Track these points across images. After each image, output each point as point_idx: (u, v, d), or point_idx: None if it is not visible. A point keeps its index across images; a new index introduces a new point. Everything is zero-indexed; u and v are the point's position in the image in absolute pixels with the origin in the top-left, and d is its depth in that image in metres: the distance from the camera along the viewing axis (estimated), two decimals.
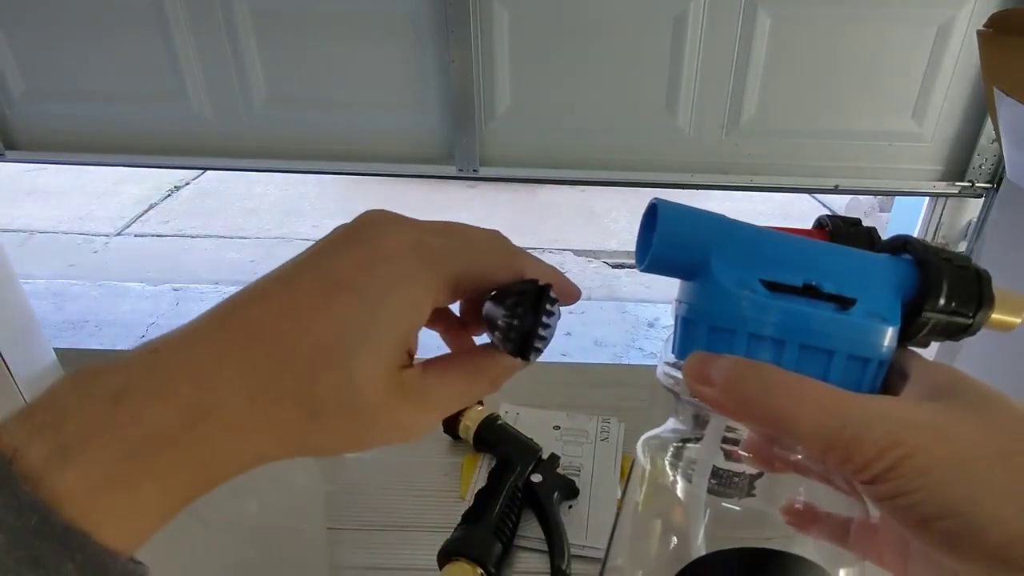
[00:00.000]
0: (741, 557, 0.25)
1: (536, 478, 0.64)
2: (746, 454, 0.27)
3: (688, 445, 0.28)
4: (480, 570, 0.55)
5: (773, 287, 0.24)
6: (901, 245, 0.26)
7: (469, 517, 0.59)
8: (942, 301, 0.24)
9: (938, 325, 0.24)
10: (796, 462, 0.26)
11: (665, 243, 0.24)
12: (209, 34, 1.03)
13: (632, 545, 0.30)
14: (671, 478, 0.28)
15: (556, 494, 0.63)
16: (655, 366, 0.67)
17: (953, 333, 0.25)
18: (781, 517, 0.27)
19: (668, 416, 0.30)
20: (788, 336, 0.23)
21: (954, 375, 0.23)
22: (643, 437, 0.29)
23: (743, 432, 0.27)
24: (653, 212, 0.25)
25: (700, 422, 0.27)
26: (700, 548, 0.25)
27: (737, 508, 0.27)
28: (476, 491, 0.63)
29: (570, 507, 0.64)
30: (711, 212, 0.25)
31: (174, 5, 1.00)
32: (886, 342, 0.24)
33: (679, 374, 0.25)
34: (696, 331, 0.25)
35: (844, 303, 0.24)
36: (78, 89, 1.07)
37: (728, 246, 0.25)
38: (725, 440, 0.26)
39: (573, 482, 0.66)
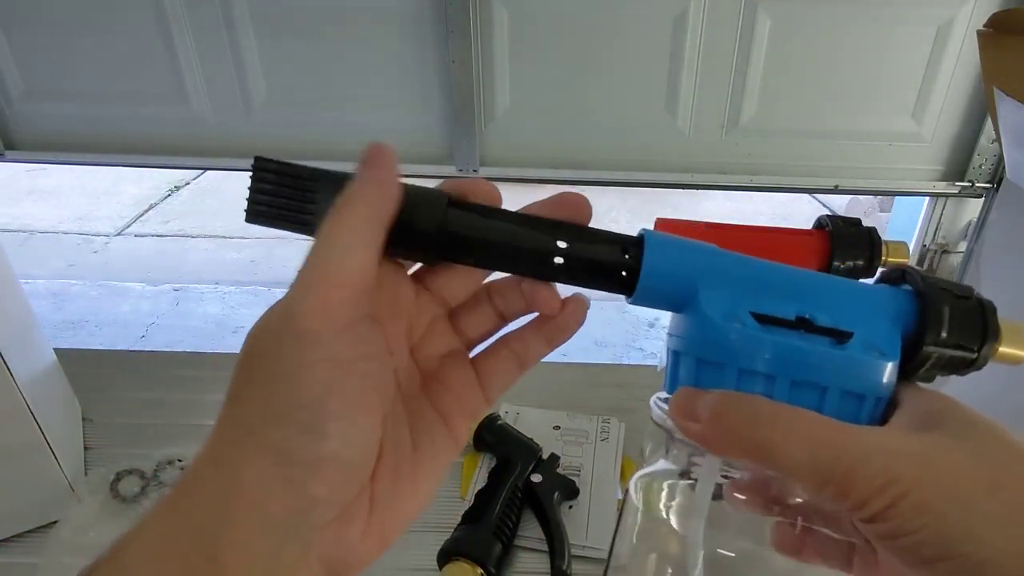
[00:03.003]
0: None
1: (536, 478, 0.64)
2: (742, 497, 0.26)
3: (681, 483, 0.27)
4: (480, 570, 0.55)
5: (764, 320, 0.23)
6: (899, 276, 0.25)
7: (469, 517, 0.59)
8: (944, 334, 0.23)
9: (941, 359, 0.23)
10: (796, 506, 0.25)
11: (652, 275, 0.24)
12: (209, 34, 1.03)
13: None
14: (665, 517, 0.28)
15: (556, 494, 0.63)
16: (655, 366, 0.67)
17: (958, 367, 0.24)
18: (778, 550, 0.26)
19: (662, 453, 0.29)
20: (779, 371, 0.22)
21: (943, 402, 0.22)
22: (635, 475, 0.29)
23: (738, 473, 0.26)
24: (641, 243, 0.24)
25: (692, 462, 0.27)
26: None
27: (732, 554, 0.26)
28: (476, 491, 0.63)
29: (570, 507, 0.64)
30: (701, 243, 0.25)
31: (174, 5, 1.00)
32: (884, 378, 0.23)
33: (668, 416, 0.25)
34: (685, 365, 0.24)
35: (840, 336, 0.23)
36: (78, 89, 1.07)
37: (717, 278, 0.24)
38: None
39: (573, 482, 0.65)
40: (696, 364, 0.24)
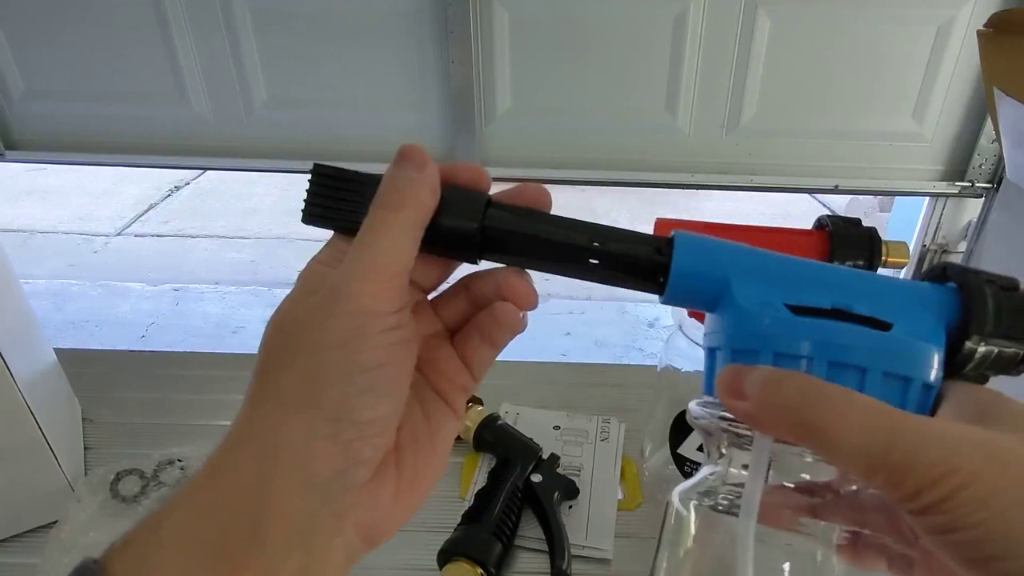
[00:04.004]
0: None
1: (536, 478, 0.64)
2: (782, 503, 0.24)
3: (724, 487, 0.26)
4: (480, 570, 0.55)
5: (799, 311, 0.22)
6: (941, 271, 0.24)
7: (469, 517, 0.59)
8: (989, 327, 0.21)
9: (988, 357, 0.22)
10: (838, 514, 0.24)
11: (683, 274, 0.24)
12: (209, 34, 1.03)
13: None
14: (713, 522, 0.26)
15: (556, 494, 0.63)
16: (655, 366, 0.67)
17: (1007, 365, 0.22)
18: (837, 556, 0.24)
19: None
20: (816, 353, 0.22)
21: (990, 395, 0.21)
22: (677, 489, 0.27)
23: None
24: (672, 244, 0.24)
25: (734, 458, 0.25)
26: None
27: (786, 549, 0.25)
28: (476, 491, 0.63)
29: (570, 507, 0.64)
30: (732, 242, 0.24)
31: (174, 5, 1.00)
32: (929, 361, 0.22)
33: (709, 411, 0.24)
34: (721, 359, 0.24)
35: (879, 326, 0.22)
36: (78, 89, 1.07)
37: (749, 274, 0.23)
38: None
39: (573, 482, 0.66)
40: (732, 355, 0.23)
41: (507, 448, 0.67)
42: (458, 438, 0.71)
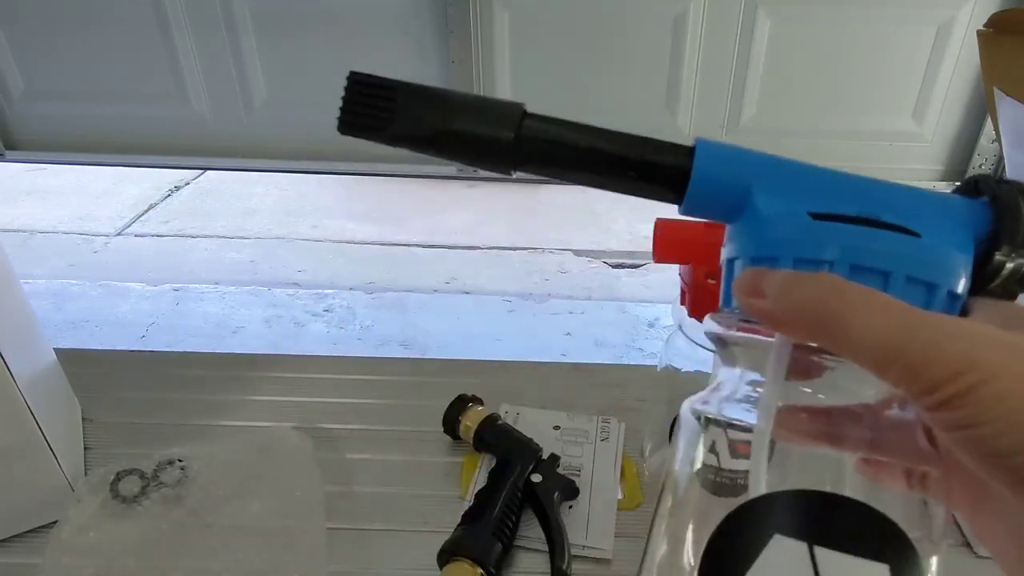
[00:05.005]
0: (801, 499, 0.21)
1: (536, 478, 0.64)
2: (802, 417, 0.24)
3: (738, 396, 0.25)
4: (480, 570, 0.55)
5: (823, 218, 0.22)
6: (973, 185, 0.23)
7: (469, 517, 0.59)
8: (1021, 237, 0.21)
9: (1018, 270, 0.21)
10: (857, 437, 0.23)
11: (703, 180, 0.23)
12: (209, 34, 1.03)
13: (687, 500, 0.27)
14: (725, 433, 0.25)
15: (556, 494, 0.63)
16: (655, 366, 0.67)
17: None
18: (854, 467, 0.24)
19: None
20: (837, 257, 0.21)
21: (1019, 308, 0.21)
22: (687, 402, 0.26)
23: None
24: (693, 151, 0.24)
25: (746, 363, 0.24)
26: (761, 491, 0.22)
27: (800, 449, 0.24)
28: (476, 491, 0.63)
29: (570, 507, 0.64)
30: (755, 150, 0.24)
31: (174, 5, 1.01)
32: (956, 268, 0.21)
33: (722, 323, 0.24)
34: (739, 268, 0.23)
35: (906, 235, 0.21)
36: (78, 89, 1.07)
37: (772, 180, 0.23)
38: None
39: (573, 482, 0.65)
40: (751, 262, 0.23)
41: (507, 448, 0.67)
42: (458, 438, 0.71)
